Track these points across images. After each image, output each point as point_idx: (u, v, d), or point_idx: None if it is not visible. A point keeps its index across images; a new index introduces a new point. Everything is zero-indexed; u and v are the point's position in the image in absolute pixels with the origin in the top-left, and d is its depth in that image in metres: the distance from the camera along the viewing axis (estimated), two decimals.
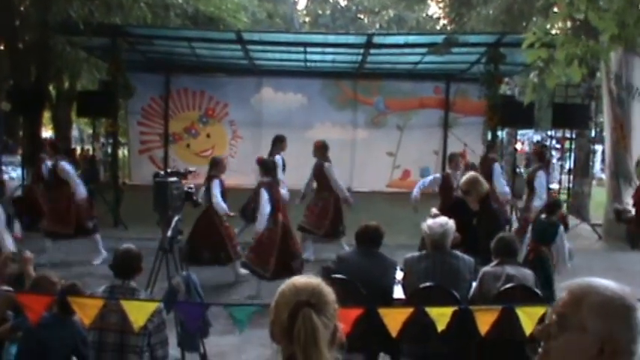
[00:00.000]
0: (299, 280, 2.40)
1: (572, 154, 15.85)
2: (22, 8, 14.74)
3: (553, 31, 10.16)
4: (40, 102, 15.90)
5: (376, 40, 15.06)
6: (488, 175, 10.54)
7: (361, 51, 15.54)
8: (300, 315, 2.24)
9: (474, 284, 5.66)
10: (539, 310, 4.49)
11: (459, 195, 7.49)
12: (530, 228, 8.84)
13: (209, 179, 9.74)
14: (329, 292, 2.36)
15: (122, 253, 5.10)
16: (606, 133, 14.79)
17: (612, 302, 1.89)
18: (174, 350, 5.63)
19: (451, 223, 5.87)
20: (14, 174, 17.16)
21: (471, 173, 7.92)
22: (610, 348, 1.85)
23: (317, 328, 2.23)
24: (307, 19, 40.12)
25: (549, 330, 1.95)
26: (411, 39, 15.91)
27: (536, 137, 30.99)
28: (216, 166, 9.92)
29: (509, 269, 5.53)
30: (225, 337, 6.88)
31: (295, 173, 12.08)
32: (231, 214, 9.93)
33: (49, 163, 11.08)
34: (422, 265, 5.66)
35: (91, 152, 17.35)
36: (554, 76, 8.63)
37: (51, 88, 20.43)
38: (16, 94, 14.51)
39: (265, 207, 8.83)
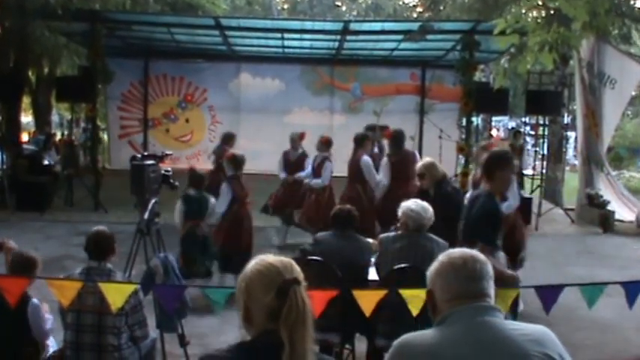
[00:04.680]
0: (273, 259, 2.32)
1: (546, 141, 16.02)
2: None
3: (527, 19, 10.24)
4: (19, 87, 15.91)
5: (353, 26, 15.18)
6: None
7: (338, 37, 15.64)
8: (291, 293, 2.19)
9: None
10: (511, 293, 4.62)
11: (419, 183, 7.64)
12: None
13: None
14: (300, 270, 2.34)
15: (94, 235, 5.10)
16: (578, 120, 14.96)
17: (437, 264, 2.54)
18: (153, 332, 5.71)
19: (430, 207, 5.81)
20: None
21: (427, 158, 8.08)
22: (432, 295, 2.52)
23: (308, 304, 2.21)
24: (285, 6, 39.99)
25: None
26: (387, 26, 16.06)
27: (511, 124, 31.21)
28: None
29: None
30: (205, 318, 6.96)
31: (274, 158, 12.12)
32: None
33: None
34: (397, 245, 5.63)
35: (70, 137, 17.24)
36: (525, 62, 8.77)
37: (30, 73, 20.30)
38: None
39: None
